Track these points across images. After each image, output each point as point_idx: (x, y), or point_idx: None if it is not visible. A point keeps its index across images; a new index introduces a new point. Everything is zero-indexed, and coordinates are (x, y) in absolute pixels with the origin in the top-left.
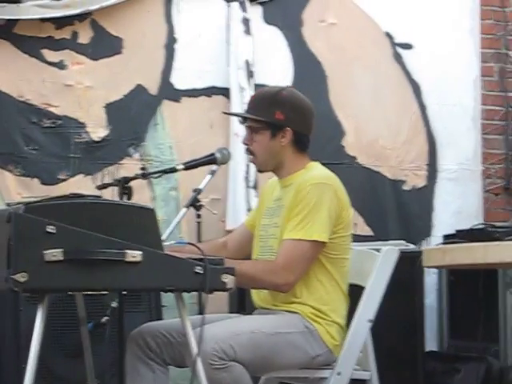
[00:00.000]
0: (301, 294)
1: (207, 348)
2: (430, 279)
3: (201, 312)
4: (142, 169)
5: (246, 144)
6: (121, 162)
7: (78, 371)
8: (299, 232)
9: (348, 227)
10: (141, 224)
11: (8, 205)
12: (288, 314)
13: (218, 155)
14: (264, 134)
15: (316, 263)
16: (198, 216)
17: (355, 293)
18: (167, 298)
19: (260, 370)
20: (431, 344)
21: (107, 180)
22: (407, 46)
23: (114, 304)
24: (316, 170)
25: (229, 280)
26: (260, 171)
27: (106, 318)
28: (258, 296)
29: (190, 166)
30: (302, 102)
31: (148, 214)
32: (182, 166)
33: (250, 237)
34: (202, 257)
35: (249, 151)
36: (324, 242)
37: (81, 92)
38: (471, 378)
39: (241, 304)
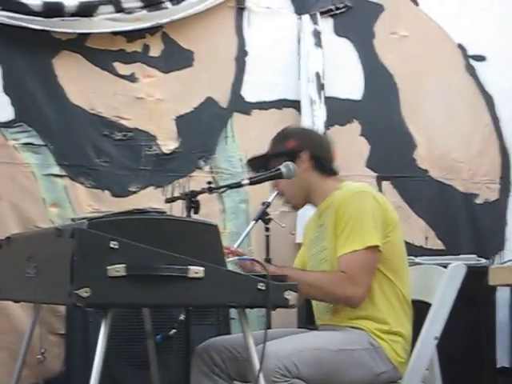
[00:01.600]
0: (365, 309)
1: (270, 365)
2: (502, 294)
3: (266, 327)
4: (209, 183)
5: (275, 190)
6: (191, 174)
7: (145, 383)
8: (352, 244)
9: (397, 229)
10: (204, 240)
11: (72, 220)
12: (352, 331)
13: (283, 170)
14: None
15: (377, 273)
16: (267, 229)
17: (421, 309)
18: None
19: None
20: (503, 360)
21: (177, 192)
22: (480, 58)
23: (182, 317)
24: (350, 185)
25: (292, 297)
26: (296, 209)
27: (173, 330)
28: (321, 315)
29: (256, 181)
30: (313, 130)
31: (211, 230)
32: (247, 181)
33: None
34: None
35: (279, 194)
36: (378, 246)
37: (152, 105)
38: None
39: (309, 318)
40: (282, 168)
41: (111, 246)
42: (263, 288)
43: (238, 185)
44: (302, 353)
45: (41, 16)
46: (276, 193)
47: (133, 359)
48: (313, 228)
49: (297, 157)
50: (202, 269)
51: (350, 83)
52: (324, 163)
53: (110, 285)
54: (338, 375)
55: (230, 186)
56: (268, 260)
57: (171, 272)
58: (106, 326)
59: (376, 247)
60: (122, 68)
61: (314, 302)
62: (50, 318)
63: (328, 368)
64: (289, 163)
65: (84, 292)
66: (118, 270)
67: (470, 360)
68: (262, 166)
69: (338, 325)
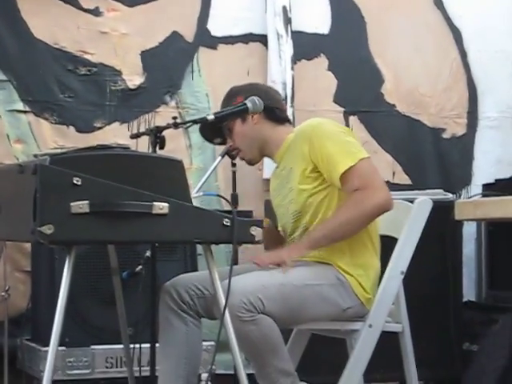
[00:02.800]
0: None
1: (235, 301)
2: (469, 229)
3: (231, 263)
4: (174, 118)
5: (231, 148)
6: (157, 109)
7: (112, 319)
8: (343, 162)
9: None
10: (168, 176)
11: (35, 156)
12: (320, 266)
13: (249, 105)
14: (236, 124)
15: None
16: (234, 165)
17: (388, 244)
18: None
19: (289, 322)
20: (469, 294)
21: (143, 128)
22: None
23: (148, 253)
24: (304, 124)
25: (257, 232)
26: (252, 163)
27: (139, 267)
28: None
29: (221, 116)
30: (258, 83)
31: (176, 165)
32: (212, 116)
33: None
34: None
35: (234, 151)
36: (369, 157)
37: (116, 39)
38: (509, 328)
39: None
40: (248, 103)
41: (74, 182)
42: (228, 224)
43: (203, 119)
44: (268, 288)
45: None
46: (229, 145)
47: (99, 296)
48: (274, 179)
49: (246, 112)
50: (166, 205)
51: (317, 17)
52: (275, 112)
53: (73, 221)
54: (304, 310)
55: (196, 121)
56: (235, 196)
57: (135, 208)
58: (70, 262)
59: (367, 158)
60: (85, 2)
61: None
62: (15, 255)
63: (293, 303)
64: (254, 97)
65: (47, 229)
66: (81, 206)
67: (436, 294)
68: (217, 133)
69: (306, 259)
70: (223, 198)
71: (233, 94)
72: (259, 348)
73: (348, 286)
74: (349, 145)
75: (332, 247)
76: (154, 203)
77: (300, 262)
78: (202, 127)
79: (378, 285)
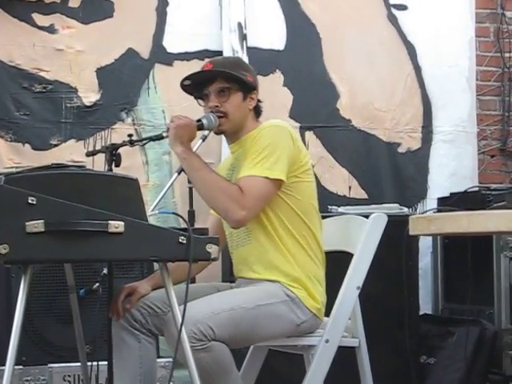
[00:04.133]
0: (279, 258)
1: (186, 331)
2: (425, 242)
3: (187, 282)
4: (130, 135)
5: (216, 106)
6: (113, 126)
7: (69, 337)
8: (252, 169)
9: (309, 172)
10: (124, 194)
11: None
12: (268, 284)
13: (204, 121)
14: (237, 95)
15: (291, 215)
16: (190, 181)
17: (344, 259)
18: None
19: (242, 343)
20: (426, 307)
21: (99, 145)
22: (402, 7)
23: (105, 270)
24: (267, 122)
25: (213, 250)
26: (221, 133)
27: (96, 284)
28: (238, 267)
29: None
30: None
31: (131, 184)
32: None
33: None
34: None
35: (219, 112)
36: (277, 180)
37: (72, 56)
38: (465, 341)
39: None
40: (203, 120)
41: (29, 201)
42: (184, 241)
43: (159, 137)
44: (218, 315)
45: None
46: (214, 105)
47: (56, 314)
48: (226, 168)
49: (250, 93)
50: (121, 223)
51: (272, 33)
52: (260, 107)
53: (28, 241)
54: (257, 331)
55: (152, 139)
56: (192, 212)
57: (91, 227)
58: (26, 281)
59: (274, 180)
60: (40, 19)
61: (233, 255)
62: None
63: (245, 326)
64: (210, 115)
65: (2, 249)
66: (36, 225)
67: (393, 308)
68: (201, 84)
69: (254, 278)
70: (179, 215)
71: (244, 68)
72: (211, 373)
73: (298, 301)
74: (271, 159)
75: (276, 264)
76: (110, 222)
77: (249, 280)
78: (193, 74)
79: (331, 297)
